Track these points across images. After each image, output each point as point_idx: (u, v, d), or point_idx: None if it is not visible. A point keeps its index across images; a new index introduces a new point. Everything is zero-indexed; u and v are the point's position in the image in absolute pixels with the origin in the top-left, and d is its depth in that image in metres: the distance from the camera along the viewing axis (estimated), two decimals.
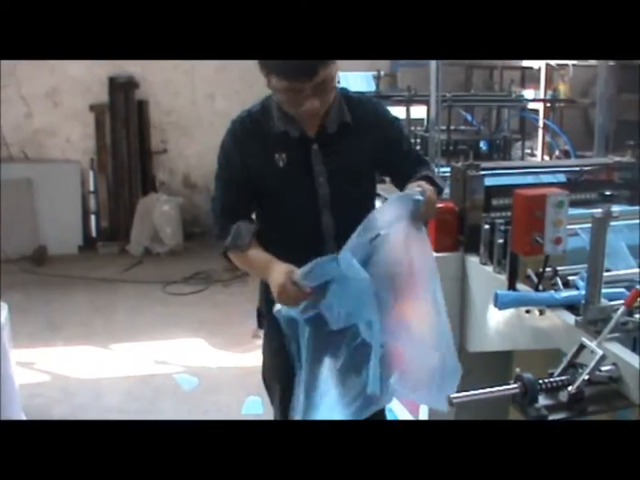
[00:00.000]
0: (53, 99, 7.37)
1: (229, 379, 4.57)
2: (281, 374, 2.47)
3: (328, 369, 2.23)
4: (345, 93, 2.39)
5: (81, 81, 7.34)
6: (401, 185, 2.40)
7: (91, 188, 7.50)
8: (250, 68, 7.48)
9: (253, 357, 4.64)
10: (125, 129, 7.45)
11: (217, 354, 4.99)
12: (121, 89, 7.43)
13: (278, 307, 2.22)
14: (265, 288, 2.41)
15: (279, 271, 2.16)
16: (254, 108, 2.38)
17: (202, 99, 7.78)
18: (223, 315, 5.69)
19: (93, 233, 7.52)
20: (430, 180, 2.31)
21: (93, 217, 7.52)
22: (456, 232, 2.90)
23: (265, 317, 2.51)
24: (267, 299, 2.41)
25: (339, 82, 2.26)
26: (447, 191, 2.93)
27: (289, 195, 2.32)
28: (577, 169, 3.33)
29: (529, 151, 5.08)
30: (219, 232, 2.36)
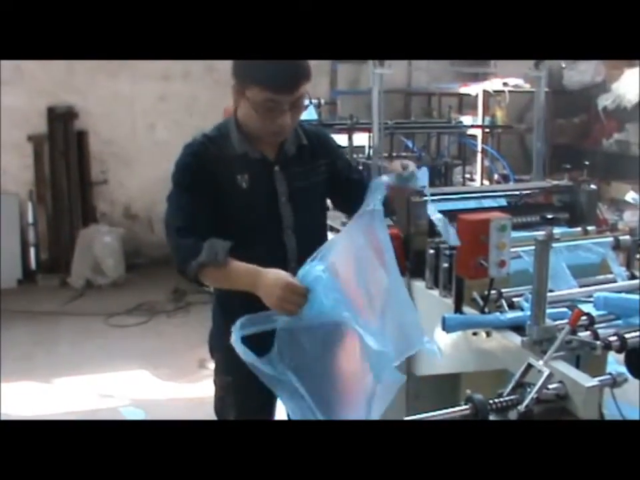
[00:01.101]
0: None
1: (176, 410, 4.50)
2: (237, 409, 2.45)
3: None
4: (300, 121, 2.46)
5: (18, 111, 7.22)
6: (349, 210, 2.48)
7: (30, 220, 7.36)
8: (190, 98, 7.45)
9: (199, 387, 4.60)
10: (65, 159, 7.36)
11: (163, 385, 4.92)
12: (60, 119, 7.33)
13: (234, 337, 2.04)
14: (222, 319, 2.42)
15: (276, 276, 2.07)
16: (210, 132, 2.36)
17: (142, 129, 7.74)
18: (167, 345, 5.63)
19: (33, 265, 7.38)
20: None
21: (32, 250, 7.37)
22: (401, 258, 2.92)
23: (218, 350, 2.48)
24: (221, 331, 2.37)
25: (310, 103, 2.32)
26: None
27: (253, 216, 2.33)
28: (517, 192, 3.40)
29: (468, 175, 5.16)
30: (187, 251, 2.19)
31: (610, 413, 2.08)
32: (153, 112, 7.70)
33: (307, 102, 2.29)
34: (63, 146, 7.35)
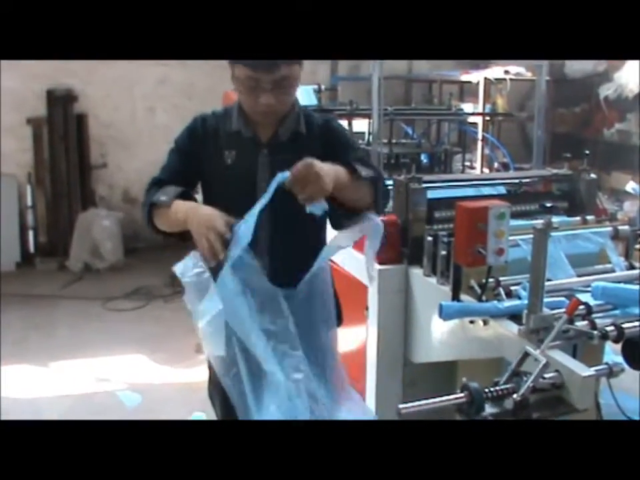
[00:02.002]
0: None
1: (173, 394, 4.51)
2: (220, 391, 2.45)
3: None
4: (307, 110, 2.45)
5: (17, 93, 7.18)
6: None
7: (29, 203, 7.33)
8: (189, 82, 7.44)
9: (196, 372, 4.60)
10: (64, 142, 7.32)
11: (160, 370, 4.93)
12: (60, 102, 7.30)
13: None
14: None
15: (208, 210, 2.11)
16: (219, 110, 2.45)
17: (142, 113, 7.71)
18: (164, 330, 5.63)
19: (31, 248, 7.35)
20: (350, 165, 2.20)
21: (30, 233, 7.35)
22: (399, 244, 2.92)
23: None
24: None
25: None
26: (390, 204, 2.95)
27: (231, 194, 2.34)
28: (517, 181, 3.39)
29: (468, 163, 5.15)
30: (149, 196, 2.32)
31: (606, 402, 2.08)
32: (153, 96, 7.67)
33: (297, 86, 2.28)
34: (62, 129, 7.32)
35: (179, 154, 2.41)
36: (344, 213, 2.25)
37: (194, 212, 2.13)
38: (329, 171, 2.06)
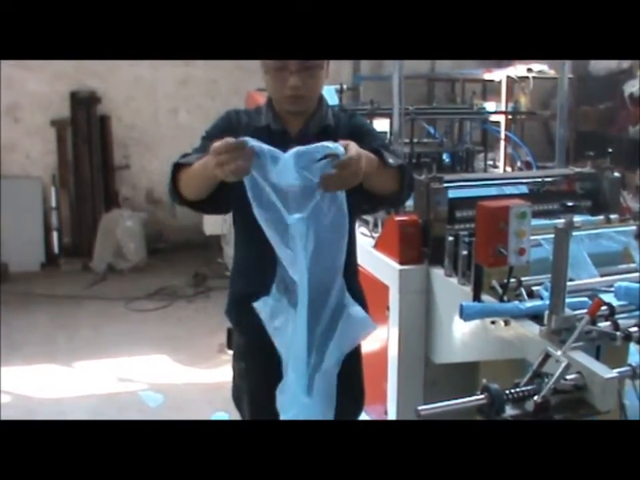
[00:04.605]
0: (13, 115, 7.27)
1: (195, 394, 4.53)
2: (247, 396, 2.48)
3: None
4: (334, 108, 2.46)
5: (41, 96, 7.25)
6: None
7: (53, 204, 7.39)
8: (212, 82, 7.43)
9: (218, 373, 4.62)
10: (87, 144, 7.38)
11: (182, 370, 4.95)
12: (83, 104, 7.35)
13: None
14: (234, 303, 2.45)
15: None
16: (249, 108, 2.49)
17: (164, 114, 7.74)
18: (187, 330, 5.65)
19: (55, 249, 7.42)
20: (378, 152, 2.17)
21: (55, 234, 7.41)
22: (420, 244, 2.91)
23: (233, 337, 2.52)
24: (236, 319, 2.44)
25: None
26: (410, 203, 2.93)
27: None
28: (539, 180, 3.37)
29: (491, 162, 5.11)
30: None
31: (632, 404, 2.06)
32: (175, 96, 7.70)
33: (325, 72, 2.28)
34: (86, 131, 7.37)
35: (210, 139, 2.31)
36: (367, 197, 2.22)
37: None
38: (362, 158, 2.01)
